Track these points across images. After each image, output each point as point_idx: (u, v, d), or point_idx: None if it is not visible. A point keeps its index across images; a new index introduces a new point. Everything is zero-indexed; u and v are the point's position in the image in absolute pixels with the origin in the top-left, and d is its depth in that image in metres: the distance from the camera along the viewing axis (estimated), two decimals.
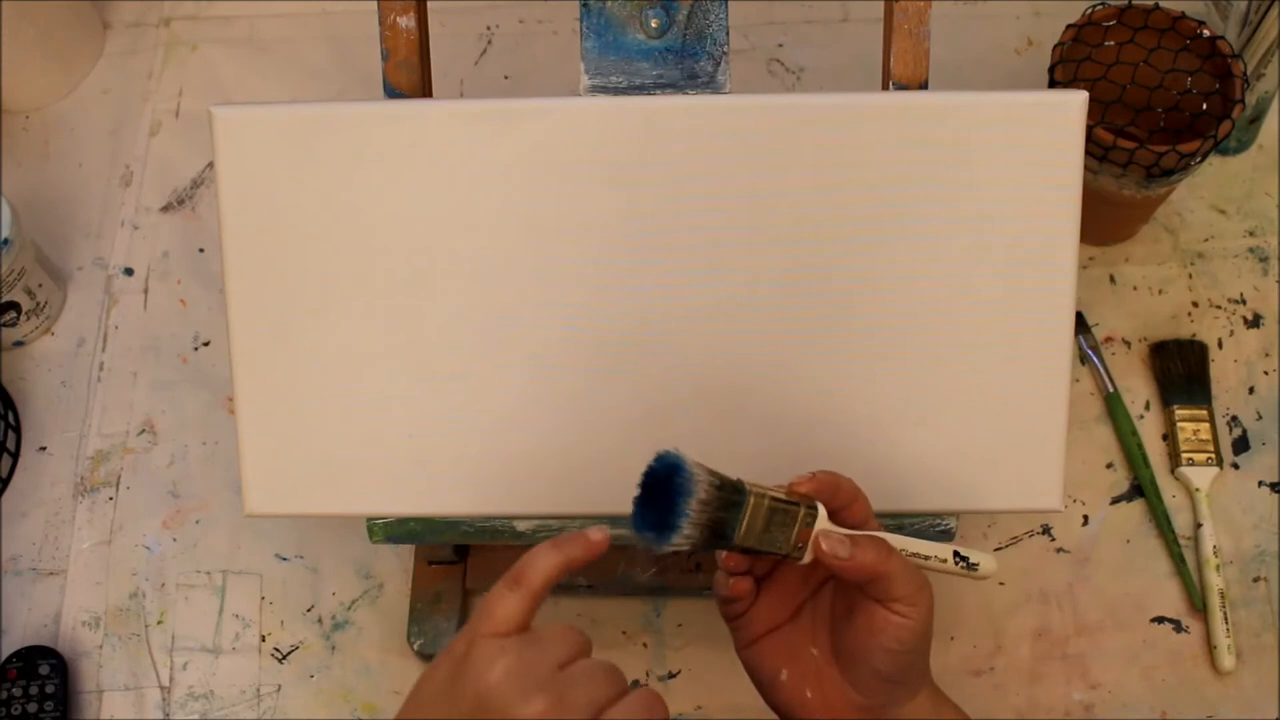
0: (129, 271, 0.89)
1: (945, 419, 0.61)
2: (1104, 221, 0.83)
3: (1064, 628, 0.75)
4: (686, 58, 0.62)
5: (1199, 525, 0.77)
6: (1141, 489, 0.78)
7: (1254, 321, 0.83)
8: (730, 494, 0.51)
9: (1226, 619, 0.74)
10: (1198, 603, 0.75)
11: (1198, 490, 0.78)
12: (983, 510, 0.64)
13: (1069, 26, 0.78)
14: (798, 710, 0.56)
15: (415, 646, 0.75)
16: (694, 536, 0.50)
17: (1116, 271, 0.85)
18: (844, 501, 0.55)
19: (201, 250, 0.90)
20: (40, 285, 0.85)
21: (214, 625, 0.77)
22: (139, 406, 0.84)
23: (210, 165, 0.91)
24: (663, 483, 0.50)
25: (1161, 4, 0.78)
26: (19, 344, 0.87)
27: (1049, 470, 0.62)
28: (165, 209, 0.91)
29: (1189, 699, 0.73)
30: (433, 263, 0.61)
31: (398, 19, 0.63)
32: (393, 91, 0.64)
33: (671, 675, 0.75)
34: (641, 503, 0.51)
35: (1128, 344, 0.83)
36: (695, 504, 0.50)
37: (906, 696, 0.56)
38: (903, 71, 0.62)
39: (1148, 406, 0.81)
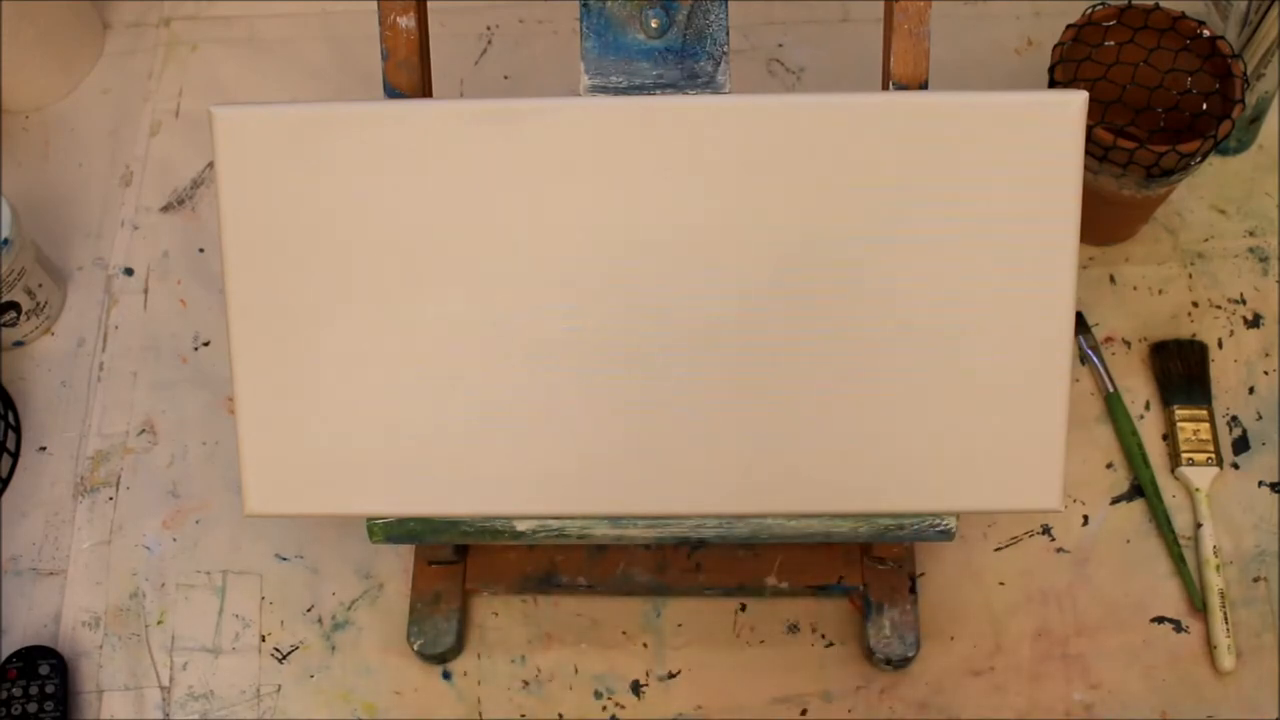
0: (129, 271, 0.89)
1: (945, 419, 0.61)
2: (1104, 221, 0.83)
3: (1064, 628, 0.75)
4: (686, 58, 0.62)
5: (1199, 525, 0.77)
6: (1141, 489, 0.78)
7: (1254, 321, 0.83)
8: None
9: (1226, 619, 0.74)
10: (1198, 603, 0.75)
11: (1198, 490, 0.78)
12: (983, 510, 0.64)
13: (1069, 26, 0.78)
14: None
15: (415, 646, 0.75)
16: None
17: (1116, 271, 0.85)
18: None
19: (201, 250, 0.90)
20: (40, 285, 0.85)
21: (214, 625, 0.77)
22: (139, 406, 0.84)
23: (210, 165, 0.91)
24: None
25: (1161, 4, 0.78)
26: (19, 344, 0.87)
27: (1049, 470, 0.62)
28: (165, 209, 0.91)
29: (1189, 699, 0.73)
30: (432, 262, 0.61)
31: (398, 19, 0.63)
32: (393, 91, 0.64)
33: (671, 675, 0.75)
34: None
35: (1128, 344, 0.83)
36: None
37: None
38: (903, 71, 0.62)
39: (1148, 406, 0.81)
